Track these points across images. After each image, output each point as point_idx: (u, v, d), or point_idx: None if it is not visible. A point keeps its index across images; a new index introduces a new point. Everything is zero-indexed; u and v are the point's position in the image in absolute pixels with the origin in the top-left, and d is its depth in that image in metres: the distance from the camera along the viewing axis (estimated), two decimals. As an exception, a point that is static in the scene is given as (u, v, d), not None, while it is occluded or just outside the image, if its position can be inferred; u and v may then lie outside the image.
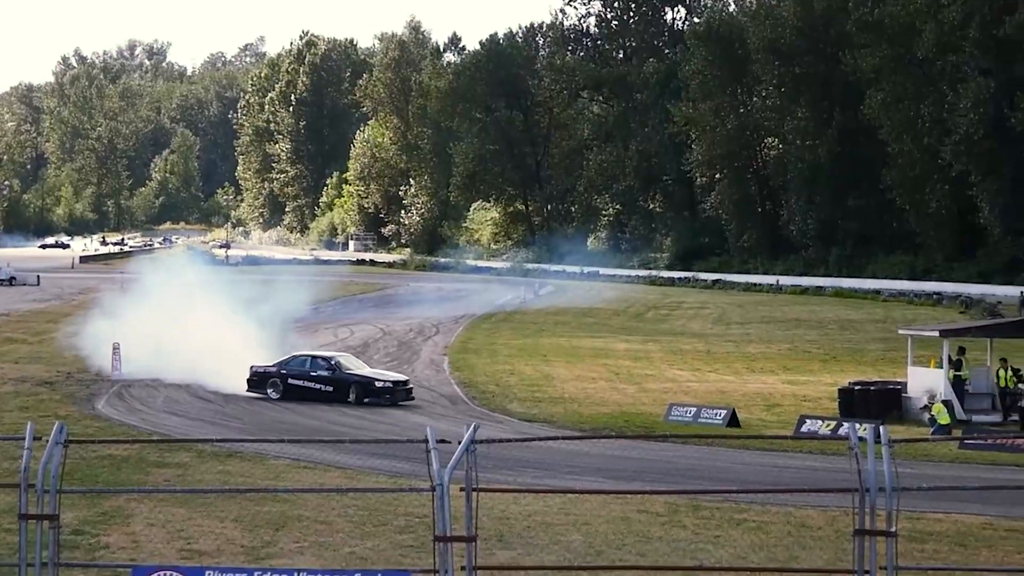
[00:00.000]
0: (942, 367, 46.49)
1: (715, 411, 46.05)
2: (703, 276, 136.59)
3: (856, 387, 48.20)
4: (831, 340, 78.04)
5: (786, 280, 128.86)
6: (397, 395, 49.53)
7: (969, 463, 37.17)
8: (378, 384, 49.95)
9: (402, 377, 51.85)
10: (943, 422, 43.24)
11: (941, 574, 21.74)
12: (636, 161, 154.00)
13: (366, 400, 49.26)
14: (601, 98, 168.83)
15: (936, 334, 49.86)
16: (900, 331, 56.16)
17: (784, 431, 43.26)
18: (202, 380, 51.95)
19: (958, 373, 46.38)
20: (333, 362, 51.36)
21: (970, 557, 23.98)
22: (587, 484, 32.67)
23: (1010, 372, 46.15)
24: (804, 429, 42.98)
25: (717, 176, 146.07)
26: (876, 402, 46.28)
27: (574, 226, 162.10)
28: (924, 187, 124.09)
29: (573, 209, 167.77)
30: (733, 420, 44.98)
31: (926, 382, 46.53)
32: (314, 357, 51.99)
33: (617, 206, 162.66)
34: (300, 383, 50.37)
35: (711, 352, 70.57)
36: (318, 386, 50.16)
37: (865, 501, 15.46)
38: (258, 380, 50.83)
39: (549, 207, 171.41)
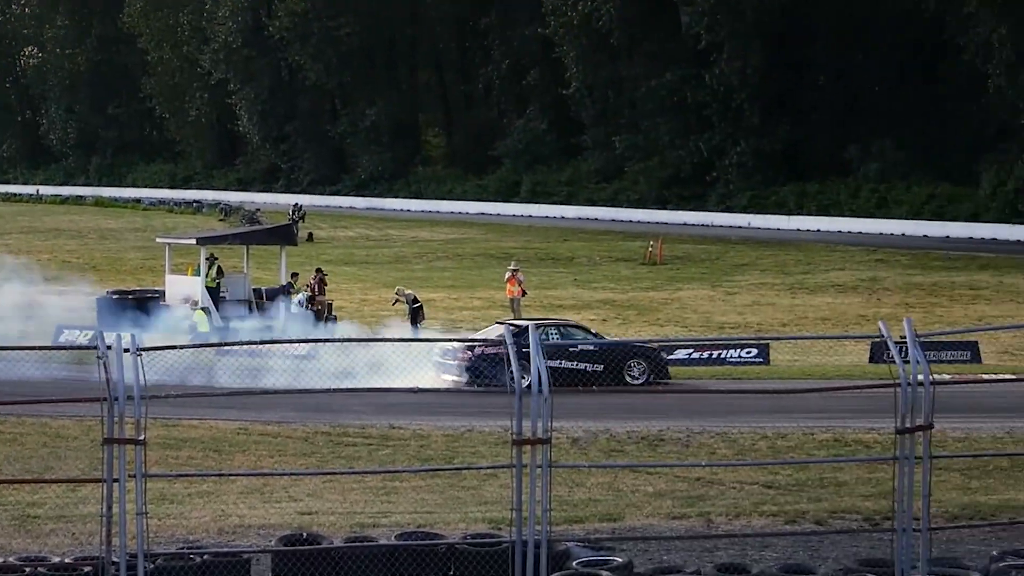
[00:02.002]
0: (199, 274, 46.72)
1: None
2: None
3: (115, 295, 47.74)
4: (91, 250, 77.18)
5: (47, 190, 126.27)
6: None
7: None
8: (666, 356, 37.75)
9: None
10: (203, 330, 43.51)
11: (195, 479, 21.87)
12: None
13: (652, 380, 36.21)
14: None
15: (194, 242, 50.02)
16: (158, 239, 56.03)
17: (42, 341, 42.24)
18: None
19: (219, 279, 46.72)
20: (594, 331, 38.55)
21: (224, 461, 24.27)
22: None
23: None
24: (62, 339, 42.20)
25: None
26: (135, 310, 45.95)
27: None
28: (184, 95, 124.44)
29: None
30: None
31: (184, 289, 46.63)
32: (560, 326, 37.80)
33: None
34: (557, 363, 34.44)
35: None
36: (583, 365, 35.46)
37: (114, 410, 15.22)
38: (487, 364, 35.13)
39: None
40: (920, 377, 14.94)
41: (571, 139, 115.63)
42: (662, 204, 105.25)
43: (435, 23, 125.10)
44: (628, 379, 35.85)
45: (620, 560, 16.43)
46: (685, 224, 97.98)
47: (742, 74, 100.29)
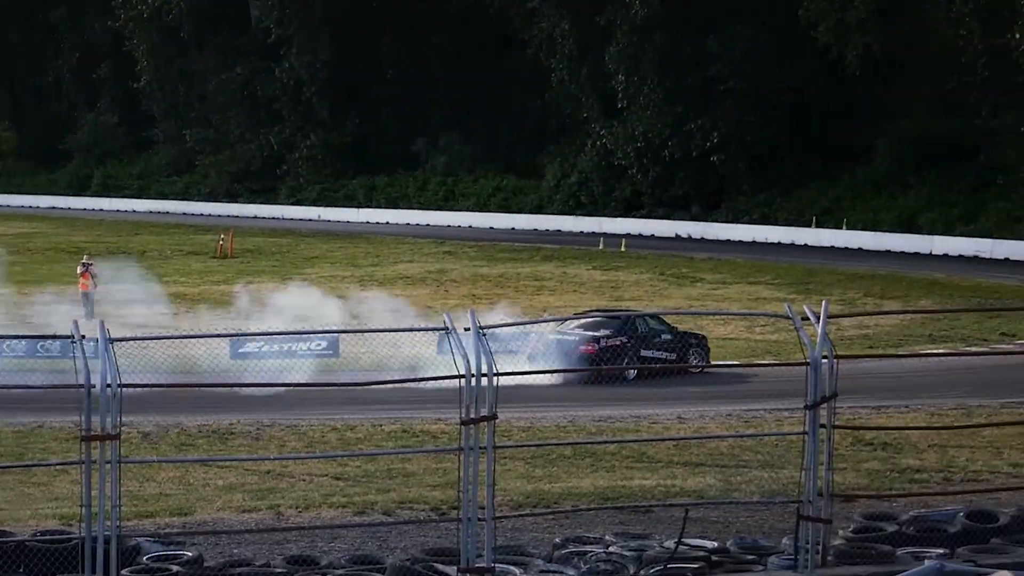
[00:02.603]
0: None
1: None
2: None
3: None
4: None
5: None
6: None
7: None
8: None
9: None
10: None
11: None
12: None
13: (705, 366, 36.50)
14: None
15: None
16: None
17: None
18: None
19: None
20: (667, 322, 37.95)
21: None
22: None
23: None
24: None
25: None
26: None
27: None
28: None
29: None
30: None
31: None
32: (643, 316, 37.54)
33: None
34: (651, 354, 36.37)
35: None
36: (664, 354, 36.16)
37: None
38: (611, 356, 35.75)
39: None
40: (484, 368, 15.39)
41: (142, 133, 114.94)
42: (233, 198, 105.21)
43: (3, 15, 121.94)
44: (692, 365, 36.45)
45: (190, 554, 16.51)
46: (256, 217, 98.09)
47: (311, 68, 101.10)
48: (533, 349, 35.12)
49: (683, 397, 31.88)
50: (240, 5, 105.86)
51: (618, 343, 36.10)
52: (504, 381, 32.55)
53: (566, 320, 37.81)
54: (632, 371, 35.42)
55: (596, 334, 36.17)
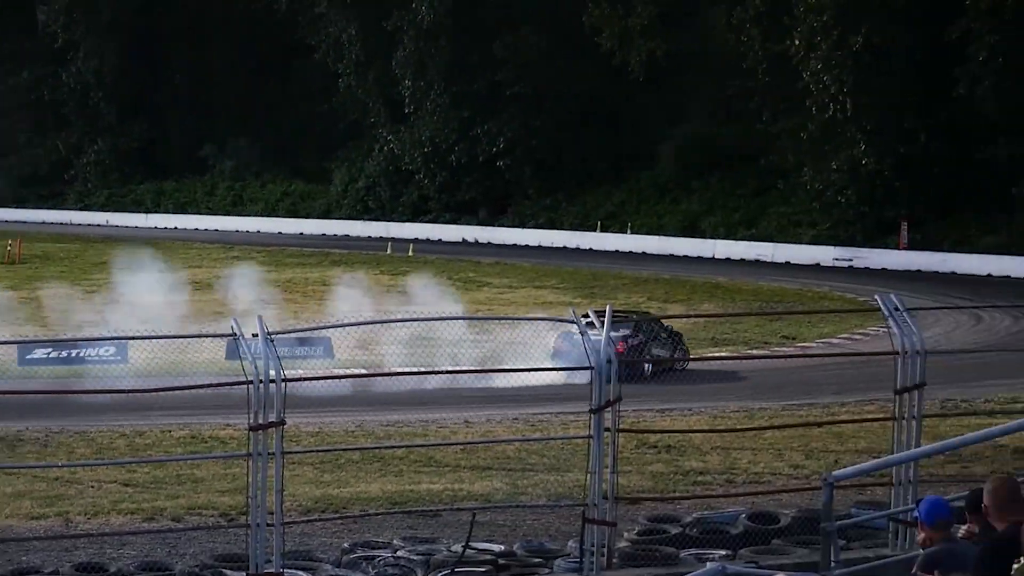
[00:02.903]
0: None
1: None
2: None
3: None
4: None
5: None
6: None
7: None
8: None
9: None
10: None
11: None
12: None
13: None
14: None
15: None
16: None
17: None
18: None
19: None
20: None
21: None
22: None
23: None
24: None
25: None
26: None
27: None
28: None
29: None
30: None
31: None
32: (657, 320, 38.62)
33: None
34: (658, 351, 37.87)
35: None
36: (663, 352, 37.86)
37: None
38: (636, 352, 36.36)
39: None
40: (272, 374, 15.46)
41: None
42: (20, 203, 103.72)
43: None
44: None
45: (-23, 564, 16.41)
46: (44, 223, 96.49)
47: (99, 73, 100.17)
48: (557, 348, 35.35)
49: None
50: (27, 9, 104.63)
51: (638, 342, 37.03)
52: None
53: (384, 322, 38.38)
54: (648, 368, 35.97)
55: (619, 334, 35.79)
